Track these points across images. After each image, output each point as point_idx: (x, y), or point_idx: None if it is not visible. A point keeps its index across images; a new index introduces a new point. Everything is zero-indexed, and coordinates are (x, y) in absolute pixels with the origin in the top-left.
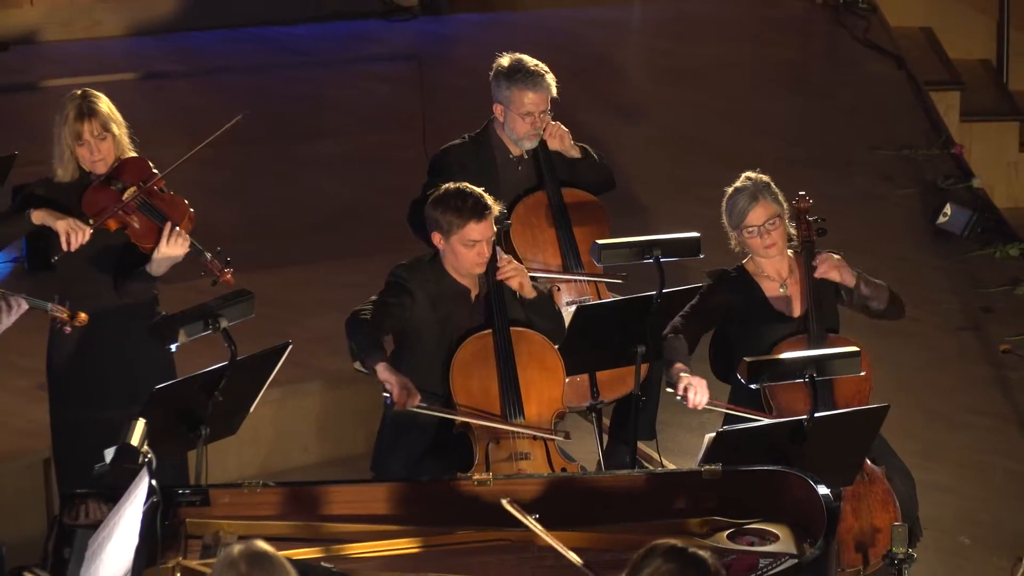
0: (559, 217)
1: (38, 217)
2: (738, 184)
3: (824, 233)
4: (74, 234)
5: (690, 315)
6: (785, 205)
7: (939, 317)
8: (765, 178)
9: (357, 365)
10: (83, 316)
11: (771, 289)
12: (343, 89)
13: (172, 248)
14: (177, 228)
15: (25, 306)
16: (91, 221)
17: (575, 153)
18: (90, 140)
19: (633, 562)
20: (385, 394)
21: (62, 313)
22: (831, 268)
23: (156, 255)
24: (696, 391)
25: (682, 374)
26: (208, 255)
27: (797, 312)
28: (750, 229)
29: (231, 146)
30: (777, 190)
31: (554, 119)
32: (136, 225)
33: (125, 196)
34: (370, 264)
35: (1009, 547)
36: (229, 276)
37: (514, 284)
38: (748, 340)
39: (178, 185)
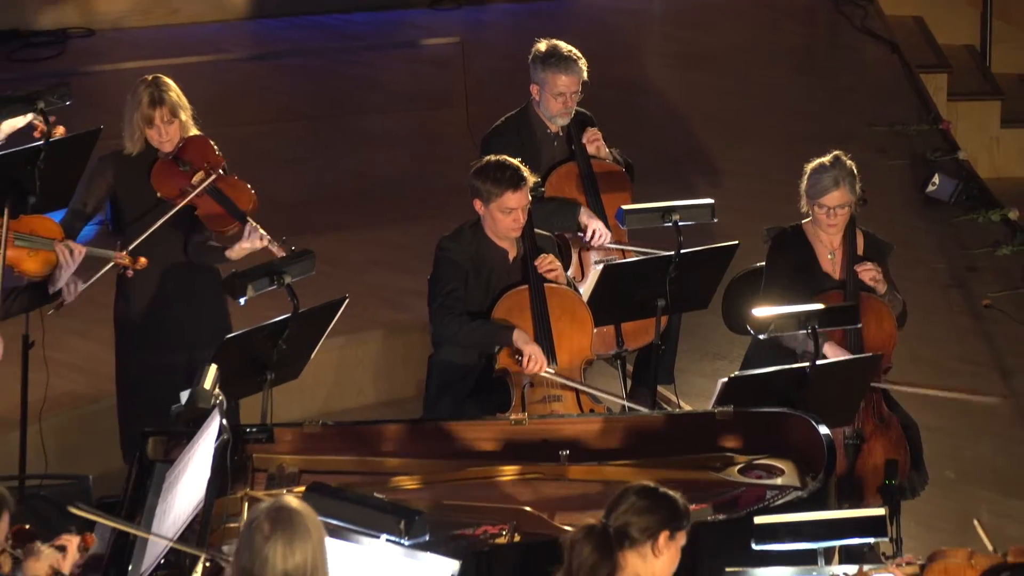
0: (588, 185)
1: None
2: (826, 161)
3: (865, 203)
4: (66, 287)
5: (773, 284)
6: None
7: (929, 275)
8: (851, 164)
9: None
10: (143, 260)
11: (822, 253)
12: (394, 70)
13: (251, 243)
14: (257, 227)
15: (84, 252)
16: (160, 196)
17: (608, 156)
18: (160, 125)
19: (611, 502)
20: (517, 355)
21: (124, 259)
22: (871, 278)
23: (237, 248)
24: None
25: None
26: (276, 244)
27: (839, 276)
28: (822, 206)
29: (295, 121)
30: (856, 177)
31: (584, 100)
32: (204, 206)
33: (194, 180)
34: (418, 227)
35: (990, 480)
36: None
37: (551, 277)
38: (794, 294)
39: (247, 157)
